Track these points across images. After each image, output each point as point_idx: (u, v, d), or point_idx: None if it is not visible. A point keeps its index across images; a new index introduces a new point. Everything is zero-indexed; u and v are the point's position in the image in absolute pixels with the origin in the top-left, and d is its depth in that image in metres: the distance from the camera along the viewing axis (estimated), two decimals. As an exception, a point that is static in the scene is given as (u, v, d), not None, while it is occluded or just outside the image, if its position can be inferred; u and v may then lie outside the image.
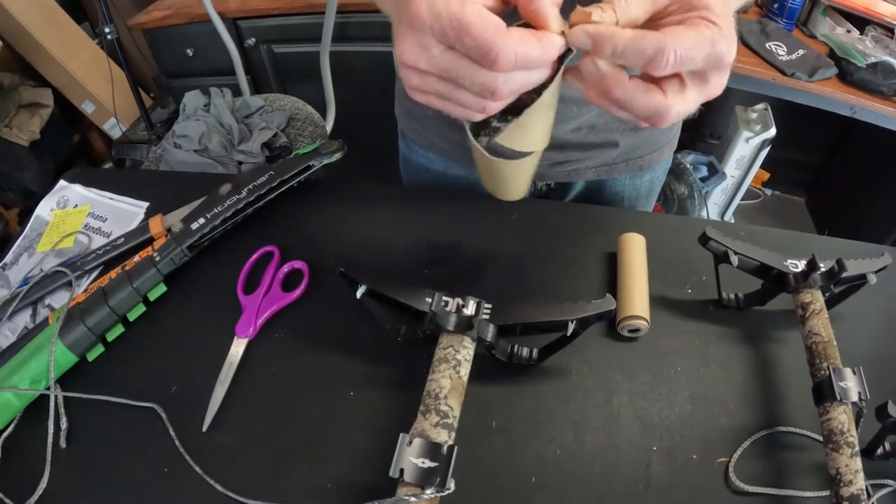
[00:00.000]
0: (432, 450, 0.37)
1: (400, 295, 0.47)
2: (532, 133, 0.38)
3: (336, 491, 0.46)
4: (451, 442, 0.39)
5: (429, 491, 0.36)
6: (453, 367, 0.43)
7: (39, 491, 0.47)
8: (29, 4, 1.86)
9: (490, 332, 0.45)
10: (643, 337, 0.55)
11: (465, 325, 0.44)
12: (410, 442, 0.38)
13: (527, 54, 0.31)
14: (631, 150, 0.73)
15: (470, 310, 0.46)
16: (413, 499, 0.36)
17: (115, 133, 2.16)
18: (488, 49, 0.30)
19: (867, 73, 1.37)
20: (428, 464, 0.37)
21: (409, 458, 0.37)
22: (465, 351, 0.44)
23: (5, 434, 0.51)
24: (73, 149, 2.15)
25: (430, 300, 0.46)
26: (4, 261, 0.69)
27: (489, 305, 0.46)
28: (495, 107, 0.34)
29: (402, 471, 0.37)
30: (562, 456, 0.48)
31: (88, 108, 2.08)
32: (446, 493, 0.36)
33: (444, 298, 0.46)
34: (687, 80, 0.34)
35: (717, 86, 0.34)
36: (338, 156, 0.69)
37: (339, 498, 0.45)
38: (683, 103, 0.34)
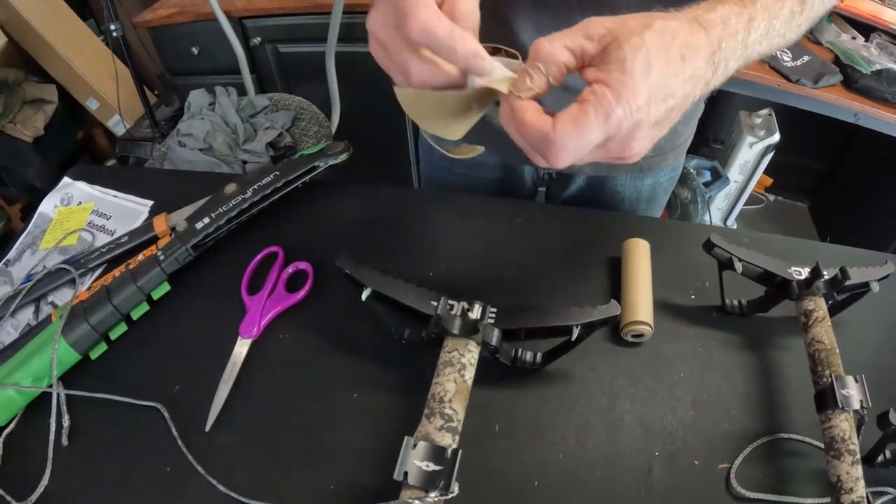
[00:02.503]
0: (437, 453, 0.38)
1: (406, 298, 0.47)
2: (422, 112, 0.40)
3: (339, 493, 0.46)
4: (455, 445, 0.40)
5: (433, 494, 0.36)
6: (458, 370, 0.43)
7: (40, 489, 0.47)
8: (34, 1, 1.87)
9: (495, 337, 0.45)
10: (647, 342, 0.55)
11: (471, 329, 0.44)
12: (415, 445, 0.38)
13: (434, 30, 0.34)
14: None
15: (475, 314, 0.46)
16: (417, 502, 0.36)
17: (119, 130, 2.16)
18: (406, 14, 0.34)
19: (872, 80, 1.37)
20: (432, 467, 0.37)
21: (414, 461, 0.37)
22: (469, 355, 0.44)
23: (7, 431, 0.51)
24: (77, 145, 2.15)
25: (435, 304, 0.46)
26: (7, 257, 0.69)
27: (494, 309, 0.46)
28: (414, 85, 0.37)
29: (406, 474, 0.37)
30: (564, 460, 0.48)
31: (92, 105, 2.08)
32: (450, 496, 0.36)
33: (450, 302, 0.46)
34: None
35: (619, 149, 0.35)
36: (343, 157, 0.69)
37: (342, 500, 0.45)
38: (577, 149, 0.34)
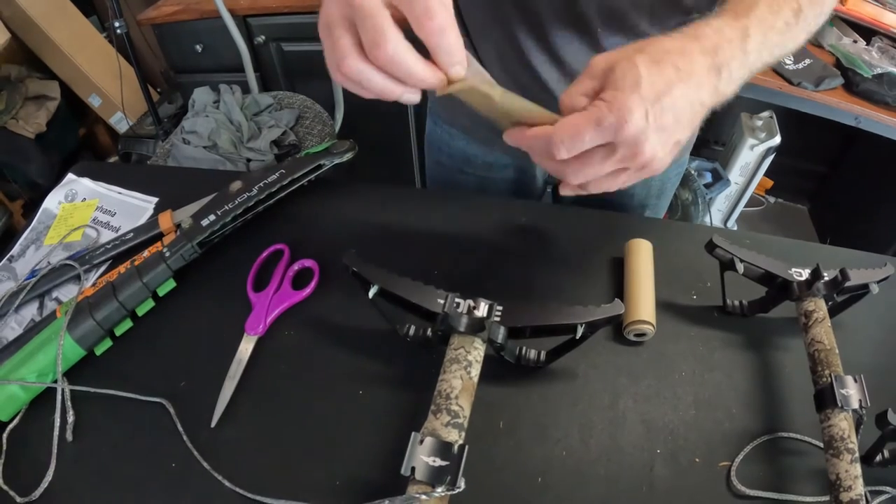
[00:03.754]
0: (443, 449, 0.38)
1: (412, 296, 0.47)
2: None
3: (345, 488, 0.46)
4: (461, 441, 0.40)
5: (439, 489, 0.36)
6: (464, 367, 0.43)
7: (45, 484, 0.47)
8: (37, -3, 1.87)
9: (501, 334, 0.46)
10: (649, 341, 0.56)
11: (477, 327, 0.45)
12: (422, 441, 0.38)
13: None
14: None
15: (482, 311, 0.46)
16: (424, 497, 0.36)
17: (122, 127, 2.16)
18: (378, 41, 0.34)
19: (873, 84, 1.37)
20: (439, 462, 0.37)
21: (421, 456, 0.38)
22: (475, 352, 0.45)
23: (11, 426, 0.51)
24: (79, 142, 2.15)
25: (442, 301, 0.47)
26: (11, 253, 0.69)
27: (500, 307, 0.46)
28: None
29: (413, 469, 0.37)
30: (567, 457, 0.48)
31: (95, 102, 2.08)
32: (457, 491, 0.37)
33: (457, 300, 0.47)
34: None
35: (630, 155, 0.38)
36: (349, 156, 0.69)
37: (348, 495, 0.46)
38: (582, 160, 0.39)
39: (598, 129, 0.36)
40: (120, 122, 2.16)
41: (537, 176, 0.83)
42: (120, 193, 0.75)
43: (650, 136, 0.37)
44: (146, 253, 0.61)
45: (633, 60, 0.37)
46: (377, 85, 0.37)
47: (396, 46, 0.34)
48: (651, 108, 0.36)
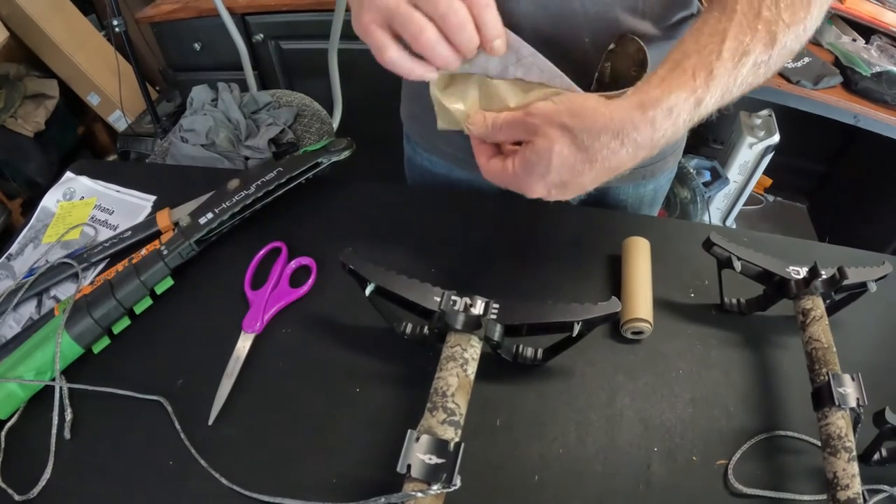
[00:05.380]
0: (439, 446, 0.38)
1: (409, 293, 0.47)
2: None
3: (341, 486, 0.46)
4: (457, 439, 0.40)
5: (435, 487, 0.36)
6: (461, 365, 0.43)
7: (42, 482, 0.47)
8: (36, -5, 1.87)
9: (498, 332, 0.46)
10: (646, 339, 0.56)
11: (474, 325, 0.45)
12: (418, 438, 0.38)
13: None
14: None
15: (478, 309, 0.46)
16: (420, 494, 0.36)
17: (120, 125, 2.16)
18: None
19: (872, 83, 1.37)
20: (435, 460, 0.37)
21: (417, 454, 0.38)
22: (472, 350, 0.45)
23: (9, 424, 0.51)
24: (78, 141, 2.15)
25: (438, 299, 0.47)
26: (9, 251, 0.69)
27: (497, 305, 0.46)
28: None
29: (409, 466, 0.37)
30: (564, 455, 0.48)
31: (94, 100, 2.08)
32: (453, 489, 0.37)
33: (453, 298, 0.47)
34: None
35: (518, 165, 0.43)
36: (347, 153, 0.69)
37: (345, 493, 0.46)
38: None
39: (506, 186, 0.45)
40: (118, 121, 2.16)
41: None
42: (118, 192, 0.75)
43: (554, 195, 0.43)
44: (144, 251, 0.61)
45: (552, 146, 0.40)
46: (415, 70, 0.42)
47: (432, 34, 0.39)
48: (553, 189, 0.42)
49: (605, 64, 0.52)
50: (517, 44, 0.44)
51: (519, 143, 0.44)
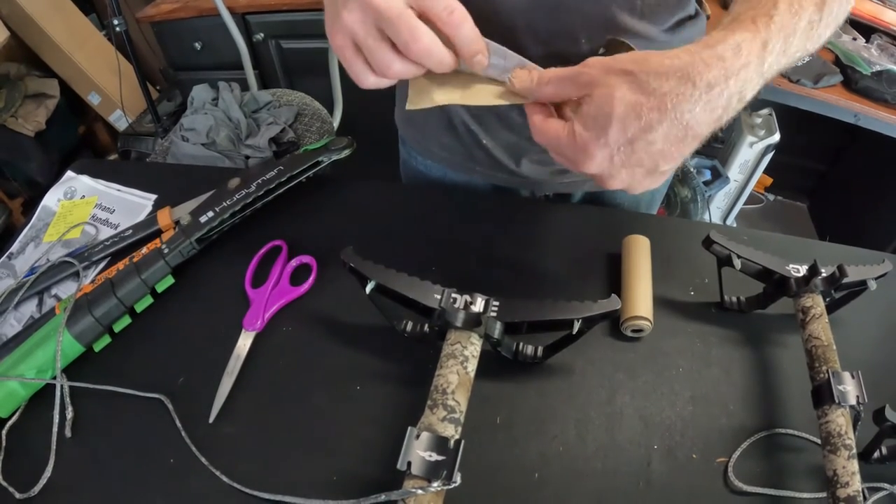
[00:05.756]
0: (440, 444, 0.38)
1: (409, 291, 0.47)
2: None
3: (342, 483, 0.47)
4: (457, 436, 0.40)
5: (435, 484, 0.36)
6: (461, 362, 0.44)
7: (44, 480, 0.47)
8: (36, -5, 1.87)
9: (498, 330, 0.46)
10: (646, 337, 0.56)
11: (474, 322, 0.45)
12: (418, 436, 0.38)
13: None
14: None
15: (478, 307, 0.46)
16: (420, 491, 0.36)
17: (121, 125, 2.16)
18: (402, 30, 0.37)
19: (872, 81, 1.37)
20: (435, 457, 0.37)
21: (417, 451, 0.38)
22: (472, 347, 0.45)
23: (10, 423, 0.51)
24: (78, 140, 2.15)
25: (439, 297, 0.47)
26: (11, 250, 0.69)
27: (497, 303, 0.46)
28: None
29: (409, 464, 0.37)
30: (564, 453, 0.48)
31: (94, 100, 2.08)
32: (453, 486, 0.37)
33: (454, 295, 0.47)
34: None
35: (598, 181, 0.39)
36: (347, 152, 0.69)
37: (345, 490, 0.46)
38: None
39: (561, 154, 0.39)
40: (119, 120, 2.16)
41: (521, 196, 0.82)
42: (119, 191, 0.75)
43: (616, 173, 0.37)
44: (145, 250, 0.61)
45: (613, 92, 0.35)
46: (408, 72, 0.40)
47: (431, 39, 0.38)
48: (617, 153, 0.36)
49: None
50: (502, 52, 0.42)
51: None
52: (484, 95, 0.44)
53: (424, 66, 0.39)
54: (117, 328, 0.57)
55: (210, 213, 0.62)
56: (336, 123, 1.55)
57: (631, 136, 0.35)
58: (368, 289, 0.48)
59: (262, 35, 1.64)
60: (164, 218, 0.66)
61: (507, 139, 0.68)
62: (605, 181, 0.39)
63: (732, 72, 0.35)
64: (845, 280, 0.50)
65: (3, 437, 0.50)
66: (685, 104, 0.34)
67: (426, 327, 0.52)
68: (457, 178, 0.77)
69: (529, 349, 0.52)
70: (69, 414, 0.51)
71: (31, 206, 0.71)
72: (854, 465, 0.40)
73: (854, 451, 0.41)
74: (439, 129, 0.72)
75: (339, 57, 0.41)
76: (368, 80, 0.41)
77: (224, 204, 0.63)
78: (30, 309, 0.62)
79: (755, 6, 0.37)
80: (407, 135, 0.81)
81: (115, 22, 1.50)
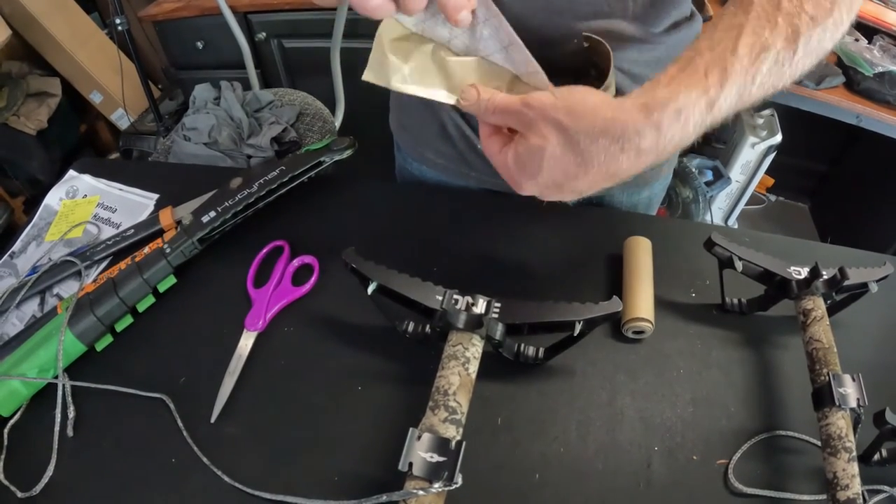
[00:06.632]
0: (441, 445, 0.38)
1: (411, 292, 0.47)
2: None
3: (343, 484, 0.47)
4: (459, 437, 0.40)
5: (437, 485, 0.36)
6: (462, 364, 0.44)
7: (45, 479, 0.47)
8: (38, -7, 1.87)
9: (499, 331, 0.46)
10: (647, 339, 0.56)
11: (475, 324, 0.45)
12: (419, 437, 0.38)
13: None
14: None
15: (480, 308, 0.46)
16: (421, 492, 0.36)
17: (123, 124, 2.16)
18: None
19: (874, 83, 1.37)
20: (436, 458, 0.37)
21: (418, 452, 0.38)
22: (474, 349, 0.45)
23: (12, 422, 0.51)
24: (80, 139, 2.15)
25: (440, 298, 0.47)
26: (12, 249, 0.69)
27: (499, 304, 0.47)
28: None
29: (410, 464, 0.37)
30: (565, 454, 0.48)
31: (96, 99, 2.08)
32: (454, 487, 0.37)
33: (455, 297, 0.47)
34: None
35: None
36: (349, 152, 0.69)
37: (347, 490, 0.46)
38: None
39: (502, 172, 0.42)
40: (121, 119, 2.16)
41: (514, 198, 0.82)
42: (121, 190, 0.75)
43: (548, 195, 0.41)
44: (147, 249, 0.61)
45: (545, 145, 0.37)
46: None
47: None
48: (546, 190, 0.40)
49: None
50: (497, 21, 0.40)
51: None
52: (442, 89, 0.43)
53: None
54: (119, 328, 0.57)
55: (212, 213, 0.62)
56: (338, 123, 1.55)
57: (559, 181, 0.39)
58: (370, 290, 0.48)
59: (264, 34, 1.64)
60: (166, 217, 0.66)
61: None
62: (540, 197, 0.42)
63: (667, 137, 0.36)
64: (846, 282, 0.50)
65: (5, 436, 0.51)
66: (612, 162, 0.37)
67: (427, 328, 0.52)
68: (451, 184, 0.77)
69: (531, 350, 0.52)
70: (71, 413, 0.51)
71: (32, 204, 0.70)
72: (854, 468, 0.40)
73: (854, 453, 0.41)
74: (433, 136, 0.72)
75: None
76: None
77: (226, 204, 0.63)
78: (32, 308, 0.62)
79: (714, 46, 0.37)
80: (402, 140, 0.80)
81: (118, 20, 1.51)
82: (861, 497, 0.39)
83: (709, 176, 1.85)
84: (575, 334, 0.46)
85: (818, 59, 0.40)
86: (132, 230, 0.67)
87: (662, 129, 0.36)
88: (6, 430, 0.51)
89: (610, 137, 0.36)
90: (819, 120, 1.45)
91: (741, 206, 1.96)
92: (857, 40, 1.51)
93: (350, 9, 0.38)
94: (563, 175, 0.38)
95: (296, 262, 0.62)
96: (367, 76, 0.44)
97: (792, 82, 0.40)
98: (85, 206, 0.73)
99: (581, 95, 0.38)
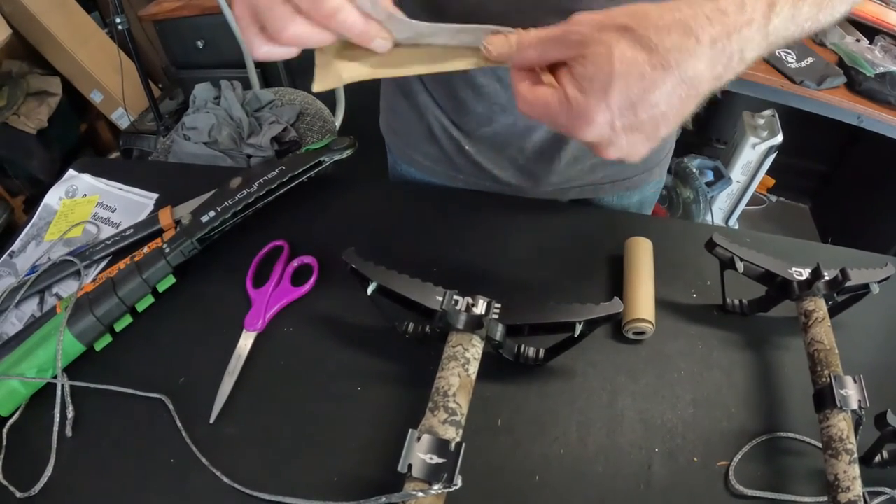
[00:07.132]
0: (440, 446, 0.38)
1: (411, 293, 0.47)
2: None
3: (343, 485, 0.46)
4: (458, 439, 0.40)
5: (436, 486, 0.36)
6: (462, 365, 0.43)
7: (44, 479, 0.47)
8: (39, -8, 1.87)
9: (499, 332, 0.46)
10: (648, 340, 0.56)
11: (475, 324, 0.45)
12: (419, 438, 0.38)
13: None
14: (618, 172, 0.73)
15: (480, 309, 0.46)
16: (421, 494, 0.36)
17: (123, 123, 2.16)
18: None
19: (875, 83, 1.37)
20: (436, 460, 0.37)
21: (418, 453, 0.38)
22: (473, 349, 0.45)
23: (11, 422, 0.51)
24: (80, 138, 2.15)
25: (440, 299, 0.47)
26: (12, 248, 0.69)
27: (499, 305, 0.46)
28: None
29: (410, 466, 0.37)
30: (565, 455, 0.48)
31: (96, 98, 2.09)
32: (453, 489, 0.37)
33: (455, 297, 0.47)
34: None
35: (594, 149, 0.35)
36: (349, 152, 0.69)
37: (346, 492, 0.46)
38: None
39: (555, 123, 0.35)
40: (121, 118, 2.16)
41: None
42: (120, 189, 0.75)
43: (616, 140, 0.34)
44: (146, 249, 0.61)
45: (611, 50, 0.32)
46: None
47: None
48: (619, 118, 0.33)
49: None
50: (408, 23, 0.37)
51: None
52: (408, 63, 0.39)
53: (328, 30, 0.35)
54: (118, 327, 0.57)
55: (211, 213, 0.62)
56: (338, 123, 1.55)
57: (634, 98, 0.32)
58: (370, 290, 0.48)
59: (264, 34, 1.64)
60: (166, 217, 0.66)
61: (490, 144, 0.68)
62: (602, 149, 0.35)
63: (735, 28, 0.32)
64: (848, 283, 0.50)
65: (4, 436, 0.50)
66: (689, 60, 0.32)
67: (427, 329, 0.52)
68: (441, 185, 0.77)
69: (531, 351, 0.52)
70: (70, 413, 0.51)
71: (32, 203, 0.70)
72: (855, 470, 0.40)
73: (855, 455, 0.41)
74: (420, 138, 0.72)
75: (238, 27, 0.38)
76: (260, 49, 0.36)
77: (226, 203, 0.63)
78: (31, 308, 0.62)
79: None
80: (391, 143, 0.80)
81: (118, 20, 1.51)
82: (862, 499, 0.39)
83: (709, 176, 1.85)
84: (575, 335, 0.46)
85: (849, 8, 0.38)
86: (131, 230, 0.67)
87: (729, 17, 0.32)
88: (5, 430, 0.51)
89: (681, 29, 0.32)
90: (820, 120, 1.45)
91: (742, 206, 1.96)
92: (858, 41, 1.51)
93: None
94: (639, 82, 0.32)
95: (295, 263, 0.62)
96: (316, 86, 0.40)
97: (827, 23, 0.38)
98: (84, 205, 0.73)
99: (632, 4, 0.34)
